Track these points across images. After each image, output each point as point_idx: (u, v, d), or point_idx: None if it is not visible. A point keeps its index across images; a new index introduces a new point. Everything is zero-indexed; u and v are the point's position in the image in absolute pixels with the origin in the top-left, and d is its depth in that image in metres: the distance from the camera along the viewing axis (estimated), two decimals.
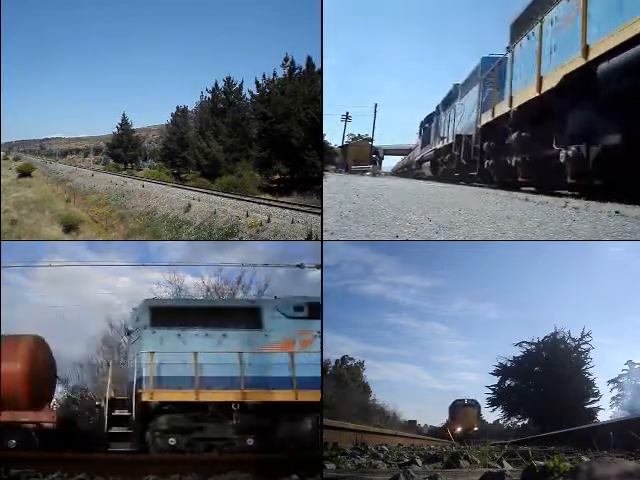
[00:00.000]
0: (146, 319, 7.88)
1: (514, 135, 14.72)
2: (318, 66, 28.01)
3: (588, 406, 23.42)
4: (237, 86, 35.24)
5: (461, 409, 24.27)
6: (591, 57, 9.59)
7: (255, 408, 7.49)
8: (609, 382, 24.28)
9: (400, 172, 52.51)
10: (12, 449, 7.56)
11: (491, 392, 26.16)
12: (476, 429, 23.44)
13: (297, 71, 29.85)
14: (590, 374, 23.92)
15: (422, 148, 38.29)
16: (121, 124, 50.25)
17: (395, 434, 12.32)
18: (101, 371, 15.03)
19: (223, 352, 7.59)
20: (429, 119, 36.24)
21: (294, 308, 8.05)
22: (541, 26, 12.80)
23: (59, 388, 10.28)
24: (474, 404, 25.11)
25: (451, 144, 24.53)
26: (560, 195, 10.99)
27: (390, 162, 67.44)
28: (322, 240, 6.64)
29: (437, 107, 32.63)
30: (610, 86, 8.85)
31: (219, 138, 32.47)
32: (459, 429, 22.54)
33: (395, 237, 5.73)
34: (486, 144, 18.39)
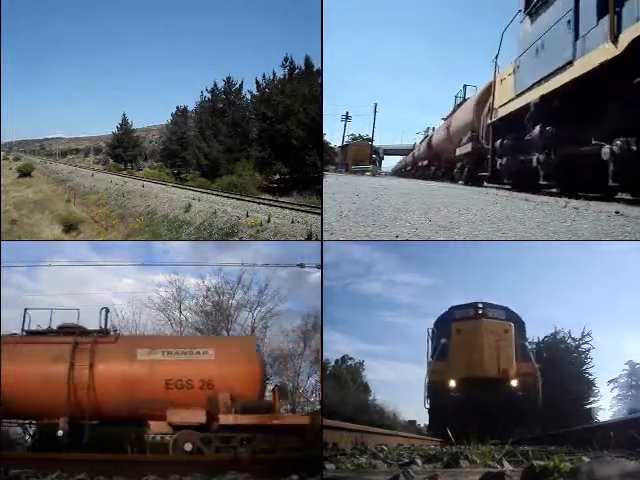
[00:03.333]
0: None
1: None
2: (318, 65, 28.05)
3: (588, 406, 23.37)
4: (237, 86, 35.31)
5: (471, 325, 10.71)
6: None
7: None
8: (609, 382, 24.29)
9: (406, 172, 45.56)
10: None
11: None
12: (515, 385, 9.96)
13: (297, 71, 29.88)
14: (590, 374, 23.89)
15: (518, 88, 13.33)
16: (121, 124, 50.35)
17: (395, 434, 11.79)
18: None
19: None
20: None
21: None
22: None
23: None
24: (501, 311, 11.52)
25: None
26: (560, 195, 10.98)
27: (390, 162, 67.56)
28: (322, 240, 6.64)
29: None
30: None
31: (219, 138, 32.47)
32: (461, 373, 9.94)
33: (395, 237, 5.73)
34: None
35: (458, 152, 22.40)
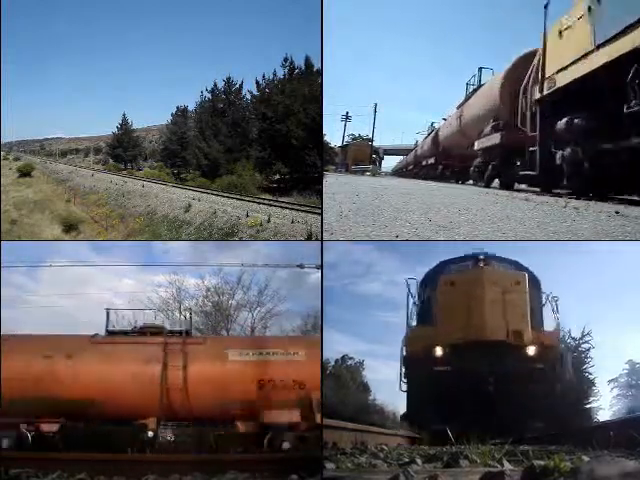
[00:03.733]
0: None
1: None
2: (318, 65, 28.06)
3: (588, 406, 23.36)
4: (237, 86, 35.34)
5: (468, 274, 8.17)
6: None
7: None
8: (609, 382, 24.29)
9: (406, 171, 44.71)
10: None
11: None
12: (531, 354, 7.13)
13: (297, 71, 29.90)
14: (590, 374, 23.89)
15: None
16: (121, 124, 50.38)
17: (395, 434, 11.51)
18: None
19: None
20: None
21: None
22: None
23: None
24: (509, 265, 9.00)
25: None
26: (560, 195, 10.97)
27: (390, 162, 67.58)
28: (322, 240, 6.64)
29: None
30: None
31: (219, 138, 32.48)
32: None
33: (395, 237, 5.73)
34: None
35: (478, 145, 17.75)
